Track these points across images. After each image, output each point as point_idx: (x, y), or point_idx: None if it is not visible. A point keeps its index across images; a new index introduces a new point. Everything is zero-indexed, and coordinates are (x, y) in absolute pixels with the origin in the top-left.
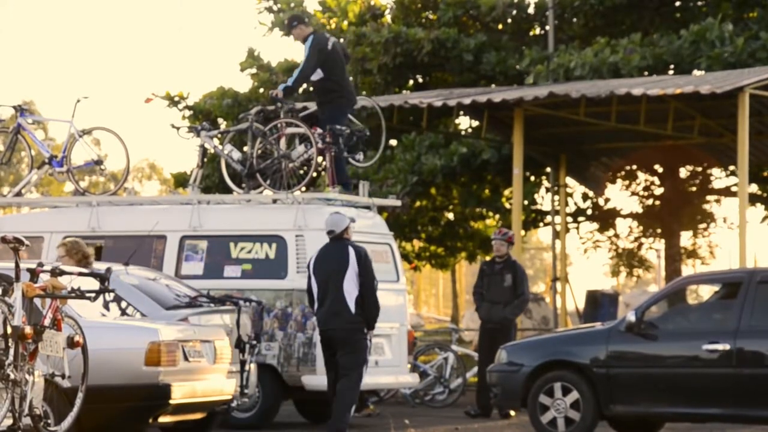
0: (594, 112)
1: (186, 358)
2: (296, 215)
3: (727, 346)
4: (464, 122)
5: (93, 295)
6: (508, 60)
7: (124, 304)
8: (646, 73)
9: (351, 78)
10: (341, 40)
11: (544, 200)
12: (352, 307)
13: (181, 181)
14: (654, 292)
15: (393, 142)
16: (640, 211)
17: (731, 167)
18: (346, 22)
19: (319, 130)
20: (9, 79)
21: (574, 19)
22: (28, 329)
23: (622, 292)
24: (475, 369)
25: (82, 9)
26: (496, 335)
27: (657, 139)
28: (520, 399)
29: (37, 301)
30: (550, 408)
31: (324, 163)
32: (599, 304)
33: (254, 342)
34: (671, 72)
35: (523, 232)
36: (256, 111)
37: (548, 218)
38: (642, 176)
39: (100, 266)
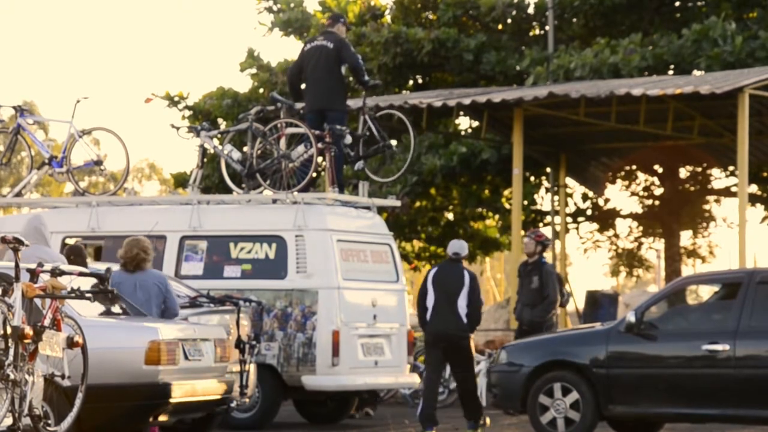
0: (594, 112)
1: (186, 357)
2: (296, 215)
3: (727, 347)
4: (464, 122)
5: (93, 295)
6: (508, 60)
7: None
8: (646, 73)
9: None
10: None
11: (544, 200)
12: (464, 318)
13: (180, 181)
14: (654, 292)
15: (393, 143)
16: (640, 211)
17: (731, 167)
18: None
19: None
20: (9, 79)
21: (574, 20)
22: (27, 329)
23: (621, 292)
24: (475, 369)
25: (82, 9)
26: (528, 337)
27: (657, 139)
28: (520, 399)
29: (37, 301)
30: (549, 408)
31: (324, 163)
32: (599, 304)
33: (254, 342)
34: (671, 72)
35: (523, 233)
36: (256, 111)
37: (548, 218)
38: (642, 176)
39: (100, 266)
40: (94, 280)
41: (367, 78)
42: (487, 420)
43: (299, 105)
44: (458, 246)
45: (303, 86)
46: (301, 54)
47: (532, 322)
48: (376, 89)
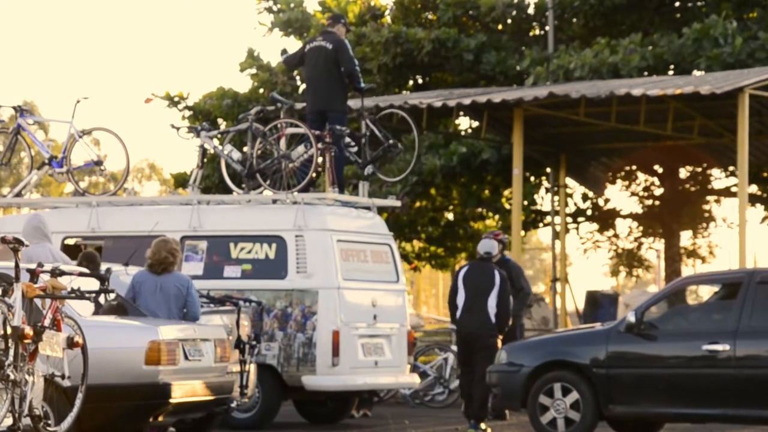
0: (594, 112)
1: (186, 357)
2: (296, 215)
3: (727, 347)
4: (464, 122)
5: (93, 295)
6: (508, 60)
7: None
8: (646, 73)
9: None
10: None
11: (543, 200)
12: (492, 318)
13: (181, 181)
14: (654, 292)
15: None
16: (640, 211)
17: (731, 167)
18: None
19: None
20: (9, 79)
21: (574, 20)
22: (28, 329)
23: (621, 292)
24: None
25: (82, 9)
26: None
27: (657, 139)
28: (520, 399)
29: (38, 301)
30: (550, 408)
31: (324, 163)
32: (599, 304)
33: (254, 342)
34: (671, 72)
35: (522, 233)
36: (256, 111)
37: (548, 218)
38: (642, 176)
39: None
40: (95, 281)
41: (362, 84)
42: (489, 430)
43: (299, 105)
44: (489, 245)
45: (303, 87)
46: (302, 51)
47: (512, 317)
48: (374, 91)
